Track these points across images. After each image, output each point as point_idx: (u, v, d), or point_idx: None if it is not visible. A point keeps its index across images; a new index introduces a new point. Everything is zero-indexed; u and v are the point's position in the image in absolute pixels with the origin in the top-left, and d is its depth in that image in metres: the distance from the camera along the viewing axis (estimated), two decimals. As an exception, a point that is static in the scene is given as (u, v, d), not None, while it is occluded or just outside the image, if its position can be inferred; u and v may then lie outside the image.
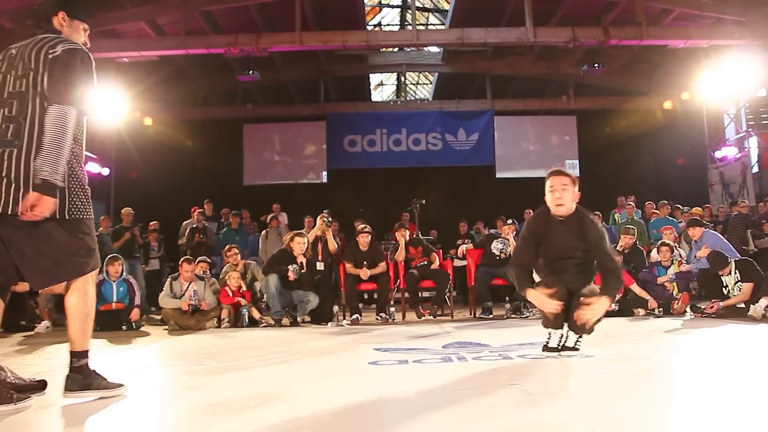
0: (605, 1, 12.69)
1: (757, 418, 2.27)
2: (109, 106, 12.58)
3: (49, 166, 2.61)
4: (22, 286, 7.35)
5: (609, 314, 7.06)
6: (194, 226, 10.31)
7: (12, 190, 2.60)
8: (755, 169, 14.17)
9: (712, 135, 15.05)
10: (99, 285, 7.45)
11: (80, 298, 2.92)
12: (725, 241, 7.88)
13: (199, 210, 10.69)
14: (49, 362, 4.44)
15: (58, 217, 2.68)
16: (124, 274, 7.67)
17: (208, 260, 8.52)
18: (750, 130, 14.25)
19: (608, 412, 2.40)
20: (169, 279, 7.62)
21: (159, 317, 8.14)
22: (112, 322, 7.21)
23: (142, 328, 7.48)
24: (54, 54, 2.71)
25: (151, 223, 11.09)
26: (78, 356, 2.86)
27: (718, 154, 14.56)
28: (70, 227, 2.76)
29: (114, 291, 7.48)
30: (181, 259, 7.69)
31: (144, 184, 14.51)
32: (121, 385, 2.94)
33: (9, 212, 2.61)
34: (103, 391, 2.86)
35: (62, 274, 2.82)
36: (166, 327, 7.35)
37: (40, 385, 2.96)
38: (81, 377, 2.83)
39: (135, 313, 7.41)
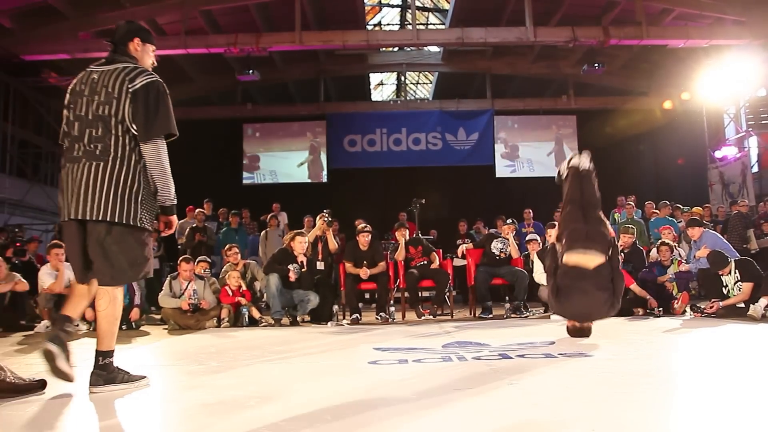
0: (605, 1, 12.70)
1: (757, 417, 2.27)
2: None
3: (165, 194, 3.14)
4: (22, 286, 7.42)
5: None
6: (194, 225, 10.30)
7: (98, 198, 2.98)
8: (755, 169, 14.18)
9: (712, 135, 15.07)
10: (99, 285, 7.44)
11: (111, 302, 3.12)
12: (725, 240, 7.88)
13: (200, 209, 10.68)
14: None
15: (132, 224, 3.03)
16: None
17: (209, 260, 8.52)
18: (750, 129, 14.26)
19: (608, 411, 2.40)
20: (168, 278, 7.62)
21: (159, 317, 8.14)
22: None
23: (141, 328, 7.48)
24: (134, 88, 3.07)
25: (150, 223, 11.06)
26: (104, 355, 3.09)
27: (718, 154, 14.57)
28: (137, 235, 3.10)
29: (113, 290, 7.46)
30: (180, 258, 7.69)
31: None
32: (144, 377, 3.19)
33: (95, 218, 2.98)
34: (127, 384, 3.08)
35: (123, 277, 3.14)
36: (166, 326, 7.34)
37: (40, 385, 2.96)
38: (105, 373, 3.05)
39: (135, 313, 7.41)
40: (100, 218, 2.97)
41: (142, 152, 3.06)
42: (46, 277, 7.42)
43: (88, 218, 2.99)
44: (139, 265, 3.12)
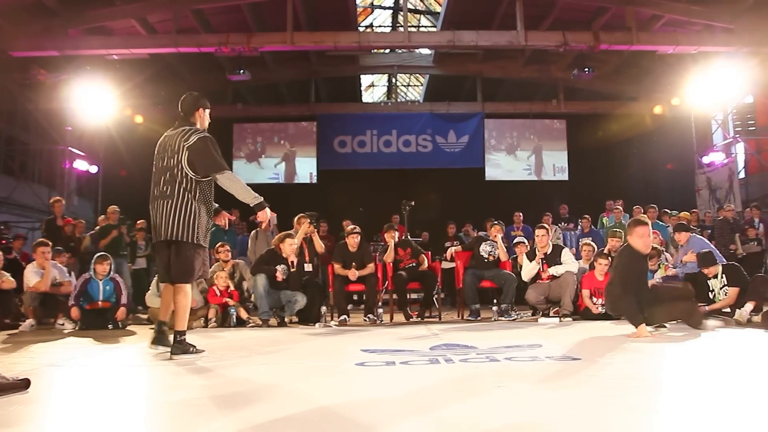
0: (596, 6, 12.76)
1: (741, 421, 2.29)
2: (97, 104, 12.50)
3: (248, 198, 4.44)
4: (8, 284, 7.36)
5: (596, 317, 7.14)
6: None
7: (170, 225, 4.28)
8: (742, 175, 14.32)
9: (700, 140, 15.18)
10: (86, 283, 7.41)
11: (184, 295, 4.38)
12: (711, 246, 7.93)
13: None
14: (33, 361, 4.40)
15: (189, 241, 4.30)
16: (111, 272, 7.62)
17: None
18: (737, 136, 14.41)
19: (594, 415, 2.41)
20: (156, 278, 7.58)
21: (146, 316, 8.09)
22: (98, 321, 7.17)
23: (128, 327, 7.43)
24: (188, 144, 4.30)
25: (138, 222, 11.02)
26: (180, 333, 4.31)
27: (705, 160, 14.68)
28: (193, 248, 4.35)
29: (100, 289, 7.42)
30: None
31: (133, 182, 14.33)
32: (203, 351, 4.38)
33: (169, 238, 4.30)
34: (196, 356, 4.26)
35: (187, 277, 4.39)
36: (153, 326, 7.30)
37: (24, 384, 2.94)
38: (182, 346, 4.26)
39: (121, 312, 7.36)
40: (170, 238, 4.28)
41: (220, 182, 4.37)
42: (31, 276, 7.36)
43: (164, 239, 4.33)
44: (196, 269, 4.38)
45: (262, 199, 4.47)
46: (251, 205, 4.44)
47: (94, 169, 14.36)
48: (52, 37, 11.53)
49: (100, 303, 7.37)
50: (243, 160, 16.08)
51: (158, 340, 4.46)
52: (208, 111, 4.64)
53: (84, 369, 4.13)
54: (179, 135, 4.35)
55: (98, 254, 7.73)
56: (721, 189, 13.94)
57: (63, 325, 7.25)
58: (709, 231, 10.69)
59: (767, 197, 13.65)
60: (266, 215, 4.53)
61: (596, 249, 8.28)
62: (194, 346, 4.31)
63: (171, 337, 4.37)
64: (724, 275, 6.81)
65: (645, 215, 4.71)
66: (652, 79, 15.29)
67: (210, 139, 4.35)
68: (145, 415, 2.66)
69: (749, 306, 6.26)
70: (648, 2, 11.97)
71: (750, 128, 15.17)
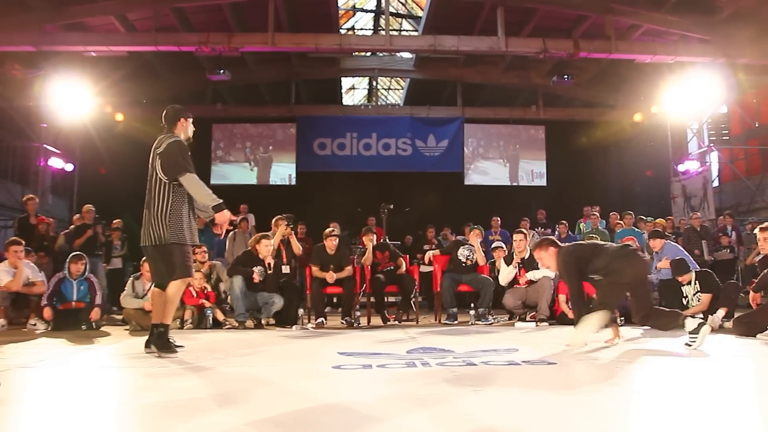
0: (576, 15, 12.90)
1: (713, 425, 2.32)
2: (74, 101, 12.34)
3: (207, 200, 4.58)
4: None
5: (572, 322, 7.19)
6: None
7: (150, 232, 4.53)
8: (716, 183, 14.55)
9: (676, 149, 15.40)
10: (59, 283, 7.30)
11: (176, 291, 4.57)
12: (685, 252, 8.04)
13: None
14: (4, 362, 4.32)
15: (169, 242, 4.49)
16: (86, 272, 7.51)
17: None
18: (711, 145, 14.63)
19: (570, 419, 2.43)
20: (131, 278, 7.51)
21: (120, 317, 8.00)
22: (71, 321, 7.07)
23: (102, 328, 7.34)
24: (159, 151, 4.57)
25: (114, 221, 10.89)
26: (164, 327, 4.51)
27: (681, 168, 14.89)
28: (170, 248, 4.52)
29: (74, 289, 7.32)
30: (143, 258, 7.56)
31: (110, 180, 14.18)
32: (181, 346, 4.70)
33: (149, 244, 4.57)
34: (170, 355, 4.38)
35: (175, 275, 4.54)
36: (127, 327, 7.23)
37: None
38: (160, 341, 4.44)
39: (95, 313, 7.26)
40: (153, 243, 4.53)
41: (182, 185, 4.50)
42: (3, 275, 7.23)
43: (146, 244, 4.60)
44: (183, 264, 4.53)
45: (221, 201, 4.57)
46: (210, 206, 4.57)
47: (69, 167, 14.17)
48: (28, 33, 11.33)
49: (73, 303, 7.27)
50: (221, 160, 15.97)
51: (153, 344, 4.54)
52: (190, 120, 4.85)
53: (56, 370, 4.06)
54: (156, 144, 4.63)
55: (73, 254, 7.62)
56: (695, 197, 14.15)
57: (35, 325, 7.13)
58: (681, 238, 10.85)
59: (740, 205, 13.90)
60: (225, 217, 4.62)
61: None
62: (172, 343, 4.49)
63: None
64: (697, 282, 6.92)
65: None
66: (630, 87, 15.49)
67: (178, 143, 4.57)
68: (117, 417, 2.62)
69: (721, 312, 6.38)
70: (626, 12, 12.13)
71: (724, 138, 15.44)
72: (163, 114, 4.78)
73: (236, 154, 16.07)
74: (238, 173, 15.99)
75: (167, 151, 4.52)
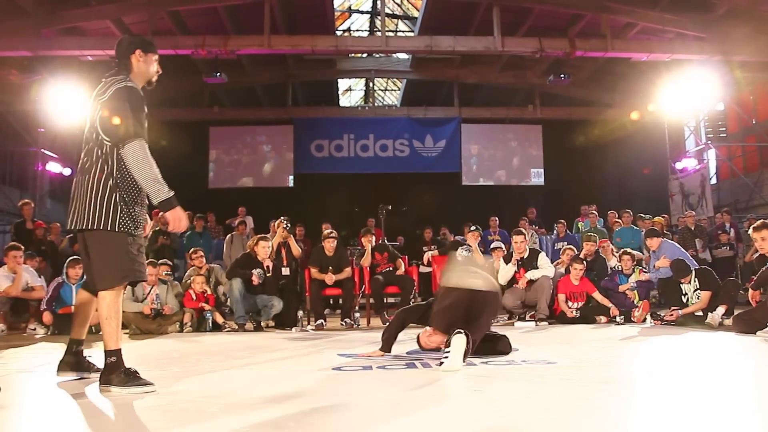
0: (572, 14, 12.93)
1: (713, 424, 2.32)
2: (70, 105, 12.32)
3: (152, 191, 3.17)
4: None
5: (571, 321, 7.22)
6: (157, 228, 10.15)
7: (85, 209, 3.16)
8: (713, 181, 14.56)
9: (673, 146, 15.41)
10: (58, 288, 7.28)
11: (109, 304, 3.30)
12: (683, 250, 8.05)
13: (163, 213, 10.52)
14: (3, 367, 4.31)
15: (108, 229, 3.15)
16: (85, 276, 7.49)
17: (170, 263, 8.39)
18: (709, 142, 14.65)
19: (569, 418, 2.43)
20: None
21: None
22: (70, 326, 7.02)
23: (101, 332, 7.31)
24: (103, 99, 3.23)
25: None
26: (110, 354, 3.22)
27: (678, 165, 14.91)
28: (118, 240, 3.20)
29: (73, 294, 7.29)
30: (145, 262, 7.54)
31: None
32: (150, 384, 3.14)
33: (86, 227, 3.18)
34: (135, 389, 3.09)
35: (107, 282, 3.24)
36: (127, 331, 7.21)
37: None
38: (115, 375, 3.14)
39: (94, 317, 7.23)
40: (83, 227, 3.19)
41: (123, 156, 3.17)
42: (2, 280, 7.23)
43: (75, 227, 3.24)
44: (119, 266, 3.21)
45: (172, 194, 3.21)
46: (154, 202, 3.24)
47: (67, 171, 14.14)
48: (25, 38, 11.34)
49: (73, 307, 7.23)
50: (218, 162, 15.96)
51: (68, 365, 3.55)
52: (153, 56, 3.51)
53: (56, 375, 4.05)
54: (99, 90, 3.32)
55: (71, 258, 7.61)
56: (693, 194, 14.16)
57: (35, 330, 7.12)
58: (678, 236, 10.86)
59: (738, 203, 13.92)
60: (177, 217, 3.24)
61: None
62: (134, 374, 3.15)
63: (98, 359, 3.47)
64: (696, 279, 6.93)
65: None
66: (627, 86, 15.52)
67: (129, 90, 3.25)
68: (118, 421, 2.62)
69: (721, 309, 6.38)
70: (622, 10, 12.16)
71: (721, 135, 15.45)
72: (116, 45, 3.49)
73: (233, 157, 16.05)
74: (236, 176, 15.97)
75: (112, 101, 3.20)
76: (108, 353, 3.18)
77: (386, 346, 4.45)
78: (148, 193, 3.22)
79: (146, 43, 3.51)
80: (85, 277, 3.47)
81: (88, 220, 3.15)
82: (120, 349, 3.20)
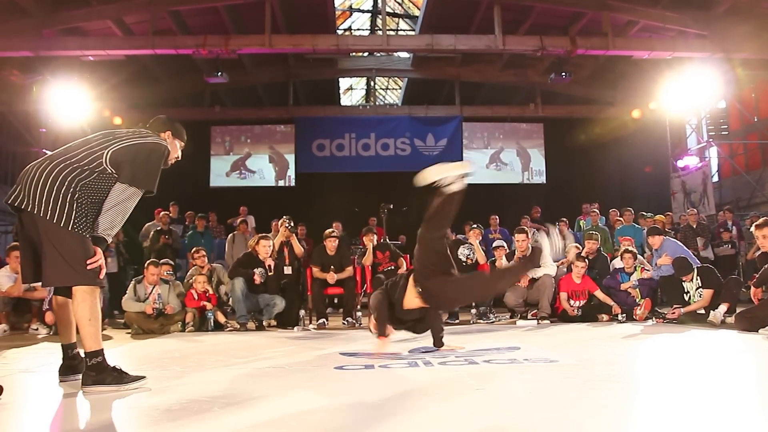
0: (573, 12, 12.91)
1: (715, 421, 2.32)
2: (72, 105, 12.34)
3: (104, 226, 3.25)
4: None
5: (573, 320, 7.22)
6: (159, 228, 10.17)
7: (51, 200, 3.09)
8: (715, 179, 14.56)
9: (675, 144, 15.40)
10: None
11: (88, 303, 3.20)
12: (685, 248, 8.04)
13: (165, 212, 10.54)
14: (6, 367, 4.32)
15: (72, 230, 3.10)
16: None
17: (171, 262, 8.40)
18: (710, 140, 14.63)
19: (572, 417, 2.42)
20: (132, 282, 7.49)
21: (122, 321, 7.99)
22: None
23: (104, 332, 7.31)
24: (134, 142, 3.40)
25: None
26: (92, 356, 3.17)
27: (680, 163, 14.90)
28: (85, 240, 3.16)
29: (75, 294, 7.31)
30: (147, 261, 7.56)
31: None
32: (142, 377, 3.24)
33: (49, 219, 3.08)
34: (117, 386, 3.12)
35: (70, 278, 3.17)
36: (129, 331, 7.22)
37: (-4, 390, 2.83)
38: (96, 375, 3.13)
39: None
40: (41, 215, 3.11)
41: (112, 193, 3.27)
42: (4, 280, 7.23)
43: (28, 209, 3.16)
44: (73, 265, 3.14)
45: (110, 240, 3.38)
46: (96, 232, 3.25)
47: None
48: (26, 38, 11.35)
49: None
50: (219, 162, 15.96)
51: (69, 368, 3.54)
52: (179, 142, 3.80)
53: (59, 380, 4.06)
54: (125, 133, 3.49)
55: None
56: (695, 192, 14.16)
57: (37, 330, 7.13)
58: (680, 234, 10.84)
59: (740, 200, 13.91)
60: (99, 257, 3.20)
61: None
62: (119, 372, 3.20)
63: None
64: (698, 277, 6.92)
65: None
66: (628, 84, 15.49)
67: (164, 151, 3.51)
68: (121, 420, 2.62)
69: (723, 307, 6.37)
70: (623, 8, 12.14)
71: (723, 133, 15.42)
72: (152, 119, 3.75)
73: (234, 156, 16.05)
74: (237, 175, 15.97)
75: (148, 152, 3.38)
76: (92, 354, 3.16)
77: (383, 329, 4.48)
78: (99, 223, 3.22)
79: (179, 130, 3.78)
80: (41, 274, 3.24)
81: (52, 214, 3.07)
82: (103, 349, 3.20)
